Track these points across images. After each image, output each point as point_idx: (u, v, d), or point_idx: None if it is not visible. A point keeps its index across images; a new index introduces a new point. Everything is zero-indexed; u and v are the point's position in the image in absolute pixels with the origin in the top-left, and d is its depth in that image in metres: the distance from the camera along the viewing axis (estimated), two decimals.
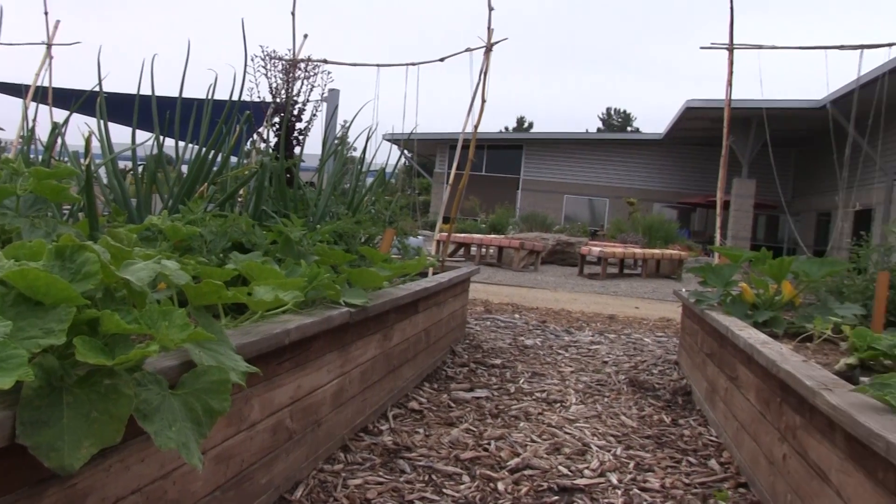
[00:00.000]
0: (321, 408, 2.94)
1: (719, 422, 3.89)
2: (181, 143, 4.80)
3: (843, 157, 9.52)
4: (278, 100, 6.13)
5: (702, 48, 7.91)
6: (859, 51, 7.48)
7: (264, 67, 6.14)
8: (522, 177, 35.38)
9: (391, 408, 3.94)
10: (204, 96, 4.89)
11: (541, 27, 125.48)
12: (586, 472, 3.22)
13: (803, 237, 28.65)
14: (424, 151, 37.08)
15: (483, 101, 6.86)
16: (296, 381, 2.65)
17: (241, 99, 4.97)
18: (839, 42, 7.50)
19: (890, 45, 7.42)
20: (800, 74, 23.34)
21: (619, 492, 3.01)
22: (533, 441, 3.61)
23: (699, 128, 27.92)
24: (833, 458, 2.17)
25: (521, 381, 4.93)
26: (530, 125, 66.89)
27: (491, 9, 6.88)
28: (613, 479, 3.15)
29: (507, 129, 64.05)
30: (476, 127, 6.85)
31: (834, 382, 2.33)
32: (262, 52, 6.19)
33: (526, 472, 3.14)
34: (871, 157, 19.29)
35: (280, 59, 6.29)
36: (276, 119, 6.06)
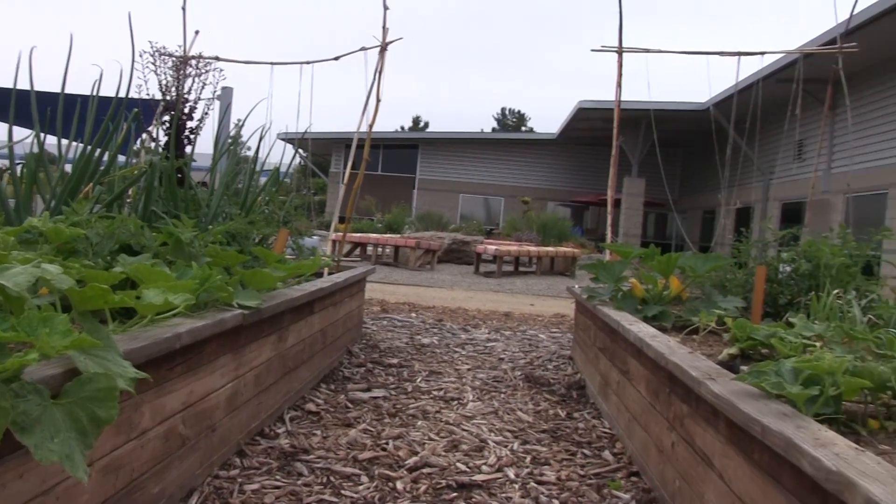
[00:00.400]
0: (215, 412, 2.88)
1: (612, 414, 4.00)
2: (64, 141, 4.60)
3: (724, 158, 9.93)
4: (168, 97, 5.95)
5: (592, 50, 8.11)
6: (737, 57, 7.82)
7: (153, 64, 5.94)
8: (418, 176, 35.48)
9: (288, 410, 3.89)
10: (89, 92, 4.69)
11: (437, 27, 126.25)
12: (484, 467, 3.25)
13: (690, 234, 29.77)
14: (320, 151, 36.72)
15: (378, 100, 6.84)
16: (188, 386, 2.58)
17: (129, 96, 4.80)
18: (720, 49, 7.82)
19: (763, 53, 7.79)
20: (687, 78, 24.23)
21: (517, 486, 3.06)
22: (431, 439, 3.62)
23: (591, 128, 28.61)
24: (716, 444, 2.26)
25: (419, 380, 4.95)
26: (426, 125, 67.15)
27: (386, 8, 6.87)
28: (511, 473, 3.20)
29: (403, 128, 64.15)
30: (371, 126, 6.83)
31: (717, 372, 2.43)
32: (152, 47, 5.99)
33: (424, 471, 3.15)
34: (750, 157, 20.22)
35: (170, 55, 6.11)
36: (167, 117, 5.88)
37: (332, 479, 3.00)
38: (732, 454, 2.12)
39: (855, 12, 8.50)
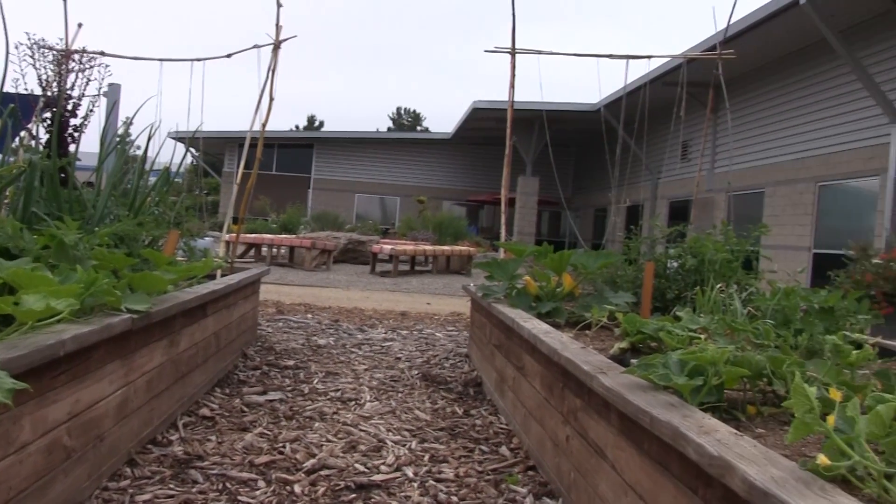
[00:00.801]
0: (104, 421, 2.78)
1: (508, 410, 4.06)
2: None
3: (614, 157, 10.22)
4: (49, 93, 5.69)
5: (486, 51, 8.23)
6: (626, 60, 8.07)
7: (31, 57, 5.67)
8: (314, 176, 35.13)
9: (181, 416, 3.79)
10: None
11: (333, 26, 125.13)
12: (382, 467, 3.25)
13: (582, 231, 30.49)
14: (213, 150, 35.90)
15: (271, 98, 6.74)
16: (74, 395, 2.48)
17: (4, 90, 4.57)
18: (610, 52, 8.05)
19: (650, 56, 8.07)
20: (580, 80, 24.77)
21: (416, 485, 3.07)
22: (328, 441, 3.60)
23: (486, 127, 28.93)
24: (609, 436, 2.33)
25: (315, 382, 4.90)
26: (321, 124, 66.53)
27: (279, 5, 6.77)
28: (409, 472, 3.21)
29: (297, 127, 63.40)
30: (264, 125, 6.72)
31: (608, 366, 2.50)
32: (29, 39, 5.71)
33: (323, 473, 3.13)
34: (639, 157, 20.88)
35: (51, 48, 5.84)
36: (48, 114, 5.63)
37: (228, 485, 2.94)
38: (624, 445, 2.18)
39: (731, 22, 8.90)
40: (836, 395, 1.61)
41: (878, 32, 13.90)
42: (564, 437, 2.86)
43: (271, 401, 4.31)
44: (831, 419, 1.49)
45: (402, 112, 71.82)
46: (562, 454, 2.90)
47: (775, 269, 5.32)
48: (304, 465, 3.21)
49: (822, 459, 1.43)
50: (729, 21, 8.55)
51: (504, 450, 3.60)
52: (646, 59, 8.09)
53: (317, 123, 66.62)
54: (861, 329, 3.62)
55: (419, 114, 71.78)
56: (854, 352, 2.30)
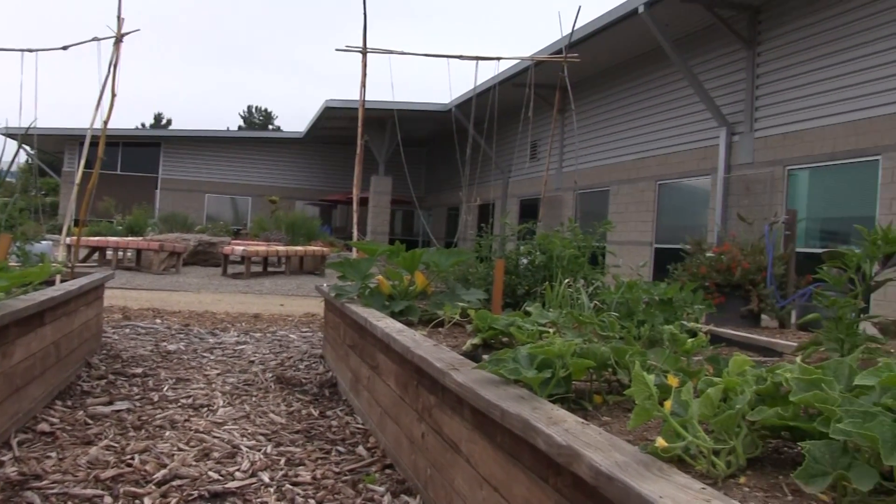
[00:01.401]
0: None
1: (364, 409, 4.06)
2: None
3: (465, 157, 10.40)
4: None
5: (337, 50, 8.17)
6: (475, 61, 8.23)
7: None
8: (161, 176, 33.87)
9: (16, 433, 3.56)
10: None
11: (180, 22, 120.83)
12: (237, 474, 3.18)
13: (436, 230, 30.83)
14: (51, 148, 33.97)
15: (114, 94, 6.45)
16: None
17: None
18: (461, 52, 8.18)
19: (499, 58, 8.27)
20: (434, 80, 25.09)
21: (272, 490, 3.02)
22: (180, 449, 3.48)
23: (339, 127, 28.76)
24: (463, 431, 2.37)
25: (165, 389, 4.73)
26: (169, 122, 64.15)
27: None
28: (265, 477, 3.15)
29: (143, 125, 60.88)
30: (106, 122, 6.42)
31: (460, 362, 2.55)
32: None
33: (174, 483, 3.02)
34: (490, 156, 21.32)
35: None
36: None
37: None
38: (478, 439, 2.23)
39: (577, 27, 9.24)
40: (673, 381, 1.71)
41: (707, 43, 14.82)
42: (420, 434, 2.89)
43: (118, 411, 4.13)
44: (668, 404, 1.58)
45: (254, 111, 70.25)
46: (418, 451, 2.92)
47: (620, 263, 5.57)
48: (154, 476, 3.09)
49: (661, 442, 1.52)
50: (574, 26, 8.86)
51: (361, 449, 3.60)
52: (495, 61, 8.28)
53: (164, 122, 64.18)
54: (696, 318, 3.85)
55: (271, 112, 70.46)
56: (689, 340, 2.44)
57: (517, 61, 15.43)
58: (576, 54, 8.42)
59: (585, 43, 15.13)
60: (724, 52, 14.46)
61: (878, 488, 1.40)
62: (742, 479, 1.55)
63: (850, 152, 11.61)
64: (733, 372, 1.76)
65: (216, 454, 3.43)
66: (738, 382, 1.68)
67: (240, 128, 64.89)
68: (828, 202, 12.62)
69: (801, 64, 12.65)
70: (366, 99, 8.03)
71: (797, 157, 12.65)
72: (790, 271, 7.36)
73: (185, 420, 4.01)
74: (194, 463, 3.29)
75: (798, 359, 2.37)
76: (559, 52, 10.35)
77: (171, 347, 6.26)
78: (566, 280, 4.11)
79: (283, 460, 3.39)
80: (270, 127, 66.51)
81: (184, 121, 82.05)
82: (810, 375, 1.63)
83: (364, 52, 7.89)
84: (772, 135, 13.22)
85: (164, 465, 3.22)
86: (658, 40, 14.10)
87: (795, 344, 3.24)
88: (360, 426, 3.99)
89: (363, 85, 7.97)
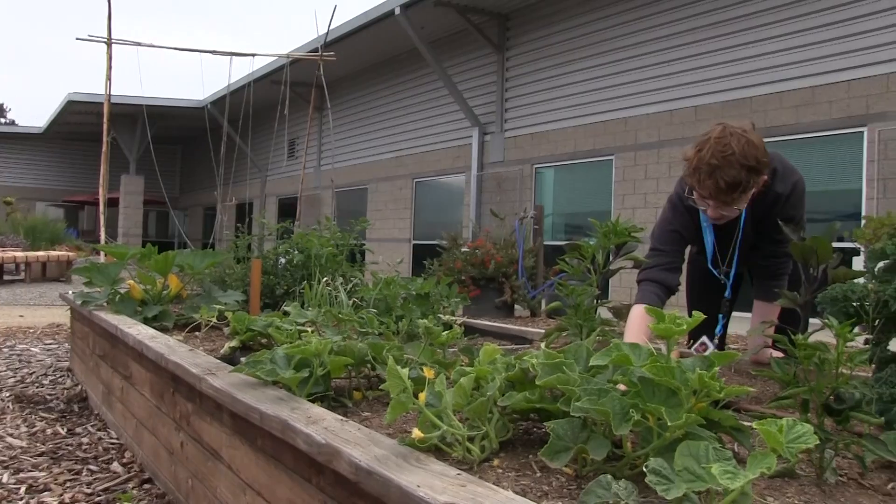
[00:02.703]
0: None
1: (119, 423, 3.84)
2: None
3: (220, 156, 10.12)
4: None
5: (79, 39, 7.69)
6: (230, 57, 8.03)
7: None
8: None
9: None
10: None
11: None
12: None
13: (192, 231, 29.73)
14: None
15: None
16: None
17: None
18: (214, 48, 7.94)
19: (254, 55, 8.14)
20: (193, 76, 24.15)
21: None
22: None
23: (84, 122, 26.86)
24: (223, 437, 2.31)
25: None
26: None
27: None
28: None
29: None
30: None
31: (217, 367, 2.48)
32: None
33: None
34: (247, 155, 20.87)
35: None
36: None
37: None
38: (238, 444, 2.18)
39: (336, 26, 9.28)
40: (429, 373, 1.76)
41: (461, 46, 15.45)
42: (179, 443, 2.78)
43: None
44: (423, 396, 1.63)
45: None
46: (178, 461, 2.81)
47: (378, 260, 5.66)
48: None
49: (417, 433, 1.57)
50: (329, 25, 8.89)
51: (116, 466, 3.39)
52: (251, 57, 8.12)
53: None
54: (453, 311, 4.00)
55: (2, 105, 64.45)
56: (444, 333, 2.53)
57: (274, 59, 15.22)
58: (332, 53, 8.45)
59: (343, 42, 15.23)
60: (476, 56, 15.13)
61: (612, 455, 1.53)
62: (496, 462, 1.63)
63: (589, 152, 12.59)
64: (484, 361, 1.85)
65: None
66: (488, 371, 1.77)
67: None
68: (571, 198, 13.61)
69: (547, 69, 13.54)
70: (114, 93, 7.60)
71: (543, 156, 13.52)
72: (539, 263, 7.86)
73: None
74: None
75: (543, 345, 2.53)
76: (316, 50, 10.34)
77: None
78: (325, 279, 4.11)
79: (23, 489, 3.10)
80: (3, 121, 60.81)
81: None
82: (553, 360, 1.74)
83: (109, 42, 7.45)
84: (520, 135, 14.03)
85: None
86: (414, 42, 14.47)
87: (543, 331, 3.46)
88: (114, 441, 3.76)
89: (108, 78, 7.53)
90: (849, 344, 1.69)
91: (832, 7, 9.41)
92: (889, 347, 1.98)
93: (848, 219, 9.14)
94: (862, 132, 9.08)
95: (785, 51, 9.82)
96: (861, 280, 2.08)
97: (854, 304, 1.96)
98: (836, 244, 2.57)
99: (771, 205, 2.94)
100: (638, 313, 2.66)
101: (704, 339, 3.02)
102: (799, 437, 1.27)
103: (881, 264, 2.00)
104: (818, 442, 1.34)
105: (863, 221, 3.40)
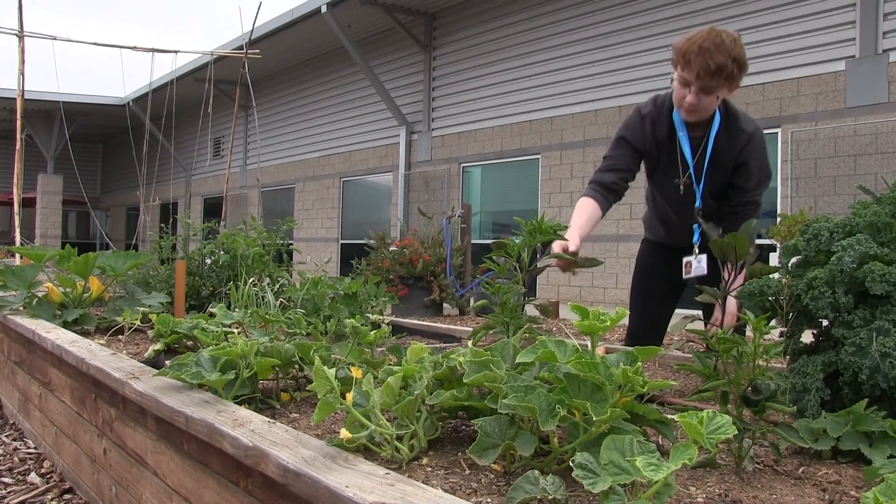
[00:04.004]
0: None
1: (37, 431, 3.73)
2: None
3: (142, 154, 9.89)
4: None
5: None
6: (152, 53, 7.85)
7: None
8: None
9: None
10: None
11: None
12: None
13: (115, 232, 28.97)
14: None
15: None
16: None
17: None
18: (135, 44, 7.76)
19: (177, 51, 7.97)
20: (110, 72, 23.50)
21: None
22: None
23: None
24: (148, 442, 2.26)
25: None
26: None
27: None
28: None
29: None
30: None
31: (141, 370, 2.43)
32: None
33: None
34: (171, 153, 20.45)
35: None
36: None
37: None
38: (164, 449, 2.14)
39: (261, 24, 9.17)
40: (357, 372, 1.76)
41: (388, 45, 15.42)
42: (102, 450, 2.71)
43: None
44: (350, 396, 1.63)
45: None
46: (101, 469, 2.74)
47: (306, 260, 5.61)
48: None
49: (345, 433, 1.56)
50: (254, 23, 8.77)
51: (34, 476, 3.29)
52: (173, 54, 7.96)
53: None
54: (381, 310, 4.00)
55: None
56: (372, 332, 2.52)
57: (199, 56, 14.95)
58: (257, 50, 8.36)
59: (269, 39, 15.05)
60: (403, 55, 15.13)
61: (539, 451, 1.56)
62: (425, 461, 1.64)
63: (515, 151, 12.72)
64: (412, 360, 1.86)
65: None
66: (416, 369, 1.77)
67: None
68: (499, 196, 13.72)
69: (474, 69, 13.62)
70: (28, 89, 7.34)
71: (471, 154, 13.60)
72: (467, 262, 7.90)
73: None
74: None
75: (471, 343, 2.55)
76: (241, 48, 10.19)
77: None
78: (251, 279, 4.06)
79: None
80: None
81: None
82: (481, 358, 1.76)
83: (21, 35, 7.21)
84: (448, 134, 14.08)
85: None
86: (341, 40, 14.38)
87: (472, 329, 3.49)
88: (32, 451, 3.65)
89: (21, 73, 7.28)
90: (765, 336, 1.75)
91: (750, 13, 9.71)
92: (801, 339, 2.06)
93: (764, 217, 9.45)
94: (776, 133, 9.39)
95: None
96: (776, 275, 2.16)
97: (770, 298, 2.03)
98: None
99: (734, 137, 3.05)
100: (577, 206, 3.07)
101: (687, 258, 3.16)
102: (719, 429, 1.32)
103: (794, 260, 2.08)
104: (736, 432, 1.39)
105: (778, 219, 3.53)
